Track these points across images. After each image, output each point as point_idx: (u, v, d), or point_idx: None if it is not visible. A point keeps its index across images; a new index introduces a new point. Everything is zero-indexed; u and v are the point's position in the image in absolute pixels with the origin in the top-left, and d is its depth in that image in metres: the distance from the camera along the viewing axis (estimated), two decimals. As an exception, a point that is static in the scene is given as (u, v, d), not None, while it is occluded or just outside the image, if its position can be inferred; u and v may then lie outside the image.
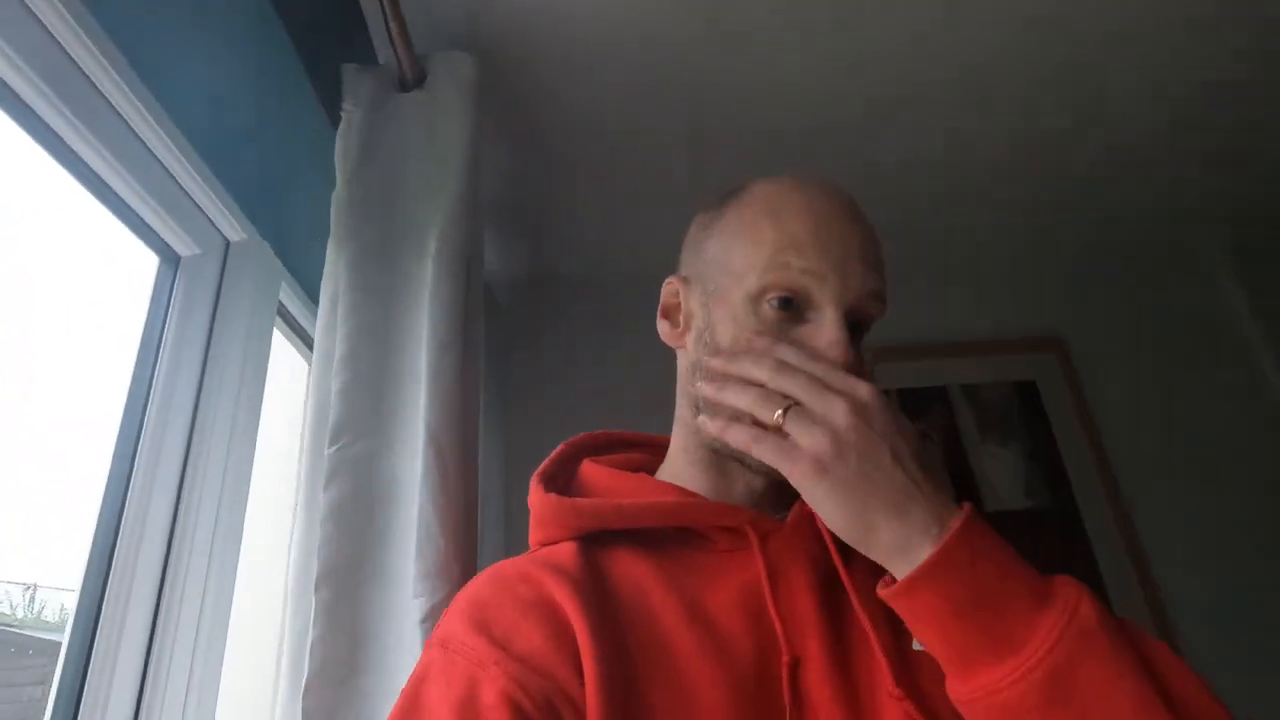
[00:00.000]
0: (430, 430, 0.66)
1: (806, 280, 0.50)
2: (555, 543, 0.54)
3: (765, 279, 0.50)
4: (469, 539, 0.69)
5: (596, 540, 0.53)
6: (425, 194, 0.80)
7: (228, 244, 0.92)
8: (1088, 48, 1.09)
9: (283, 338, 1.13)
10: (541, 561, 0.50)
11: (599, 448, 0.64)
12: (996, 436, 1.59)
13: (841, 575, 0.50)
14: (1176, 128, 1.31)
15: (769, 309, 0.50)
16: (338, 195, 0.82)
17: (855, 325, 0.51)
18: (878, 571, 0.51)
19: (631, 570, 0.50)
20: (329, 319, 0.76)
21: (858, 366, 0.49)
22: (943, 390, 1.62)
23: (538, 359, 1.56)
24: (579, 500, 0.53)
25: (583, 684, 0.42)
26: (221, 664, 0.69)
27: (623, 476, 0.57)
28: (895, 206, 1.47)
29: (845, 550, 0.50)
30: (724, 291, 0.53)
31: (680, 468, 0.57)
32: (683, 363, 0.59)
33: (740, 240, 0.54)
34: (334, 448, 0.68)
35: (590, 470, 0.59)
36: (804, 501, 0.51)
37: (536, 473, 0.58)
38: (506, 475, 1.34)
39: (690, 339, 0.57)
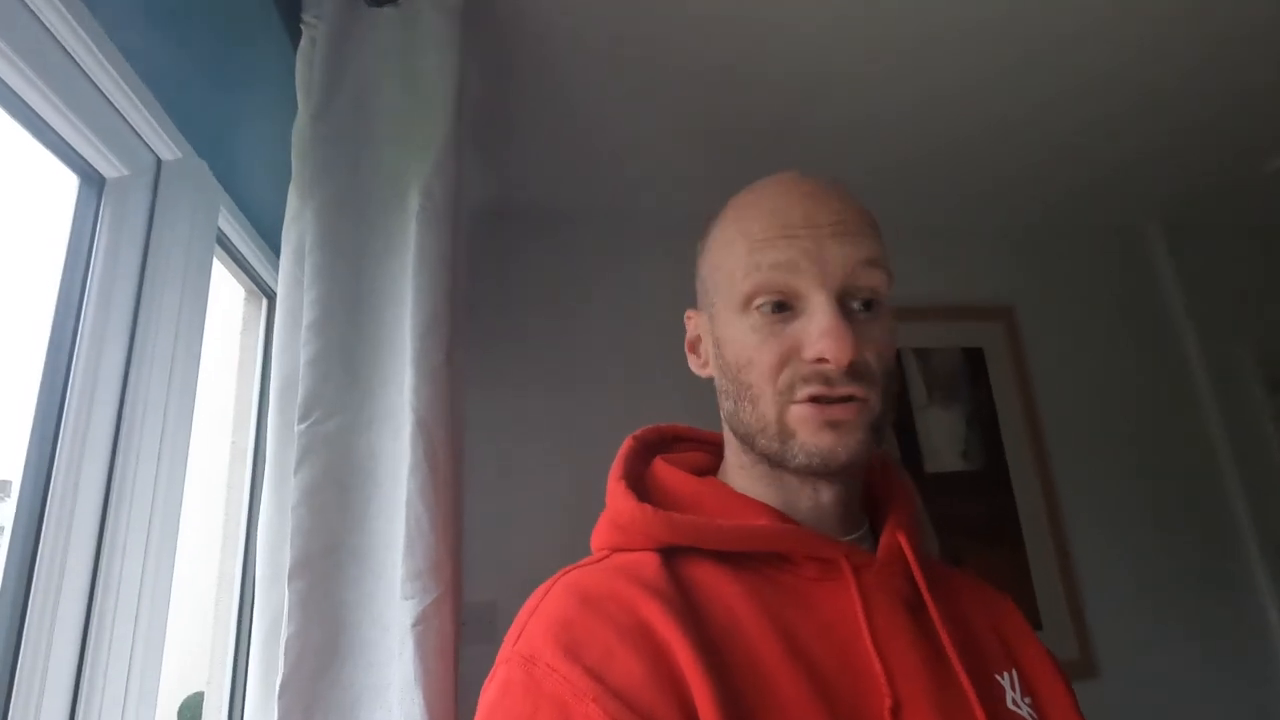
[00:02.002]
0: (419, 417, 0.61)
1: (781, 275, 0.49)
2: (629, 550, 0.50)
3: (744, 287, 0.50)
4: (458, 533, 0.65)
5: (676, 552, 0.49)
6: (404, 136, 0.71)
7: (159, 163, 0.80)
8: (1054, 41, 1.14)
9: (220, 266, 1.03)
10: (627, 576, 0.46)
11: (663, 443, 0.61)
12: (941, 399, 1.65)
13: (935, 620, 0.48)
14: (1126, 120, 1.39)
15: (759, 315, 0.50)
16: (300, 131, 0.71)
17: (866, 303, 0.50)
18: (964, 618, 0.52)
19: (719, 589, 0.47)
20: (293, 275, 0.67)
21: (860, 347, 0.48)
22: (897, 353, 1.65)
23: (500, 292, 1.48)
24: (675, 515, 0.49)
25: (685, 718, 0.39)
26: (160, 667, 0.65)
27: (704, 484, 0.54)
28: (861, 169, 1.48)
29: (934, 592, 0.50)
30: (719, 310, 0.54)
31: (746, 482, 0.55)
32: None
33: (718, 257, 0.54)
34: (305, 424, 0.62)
35: (666, 474, 0.55)
36: (891, 534, 0.51)
37: (618, 473, 0.55)
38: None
39: (712, 367, 0.56)
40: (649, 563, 0.48)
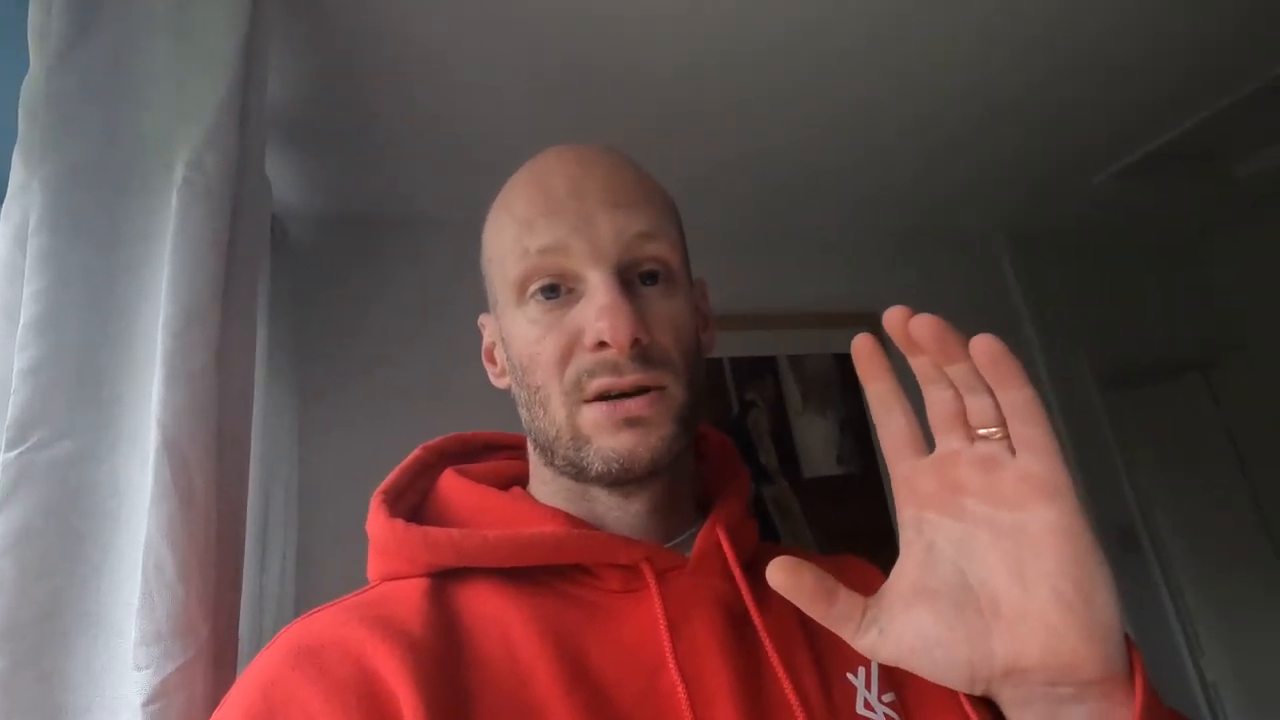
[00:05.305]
0: (166, 434, 0.48)
1: (549, 259, 0.43)
2: (399, 579, 0.42)
3: (514, 275, 0.44)
4: (230, 580, 0.52)
5: (453, 575, 0.42)
6: (172, 99, 0.58)
7: None
8: (913, 69, 1.22)
9: None
10: (371, 616, 0.38)
11: (466, 454, 0.52)
12: (816, 406, 1.65)
13: (756, 622, 0.42)
14: (975, 133, 1.48)
15: (536, 304, 0.44)
16: (31, 85, 0.57)
17: (652, 276, 0.45)
18: (797, 613, 0.41)
19: (496, 615, 0.40)
20: (12, 262, 0.53)
21: (646, 326, 0.42)
22: (773, 360, 1.65)
23: (340, 309, 1.33)
24: (432, 531, 0.41)
25: None
26: None
27: (493, 496, 0.46)
28: (739, 182, 1.51)
29: (758, 590, 0.43)
30: (501, 306, 0.47)
31: (550, 498, 0.47)
32: None
33: (491, 246, 0.48)
34: (17, 450, 0.47)
35: (452, 485, 0.47)
36: (710, 531, 0.44)
37: (380, 488, 0.45)
38: (301, 448, 1.14)
39: (507, 373, 0.48)
40: (411, 593, 0.40)
